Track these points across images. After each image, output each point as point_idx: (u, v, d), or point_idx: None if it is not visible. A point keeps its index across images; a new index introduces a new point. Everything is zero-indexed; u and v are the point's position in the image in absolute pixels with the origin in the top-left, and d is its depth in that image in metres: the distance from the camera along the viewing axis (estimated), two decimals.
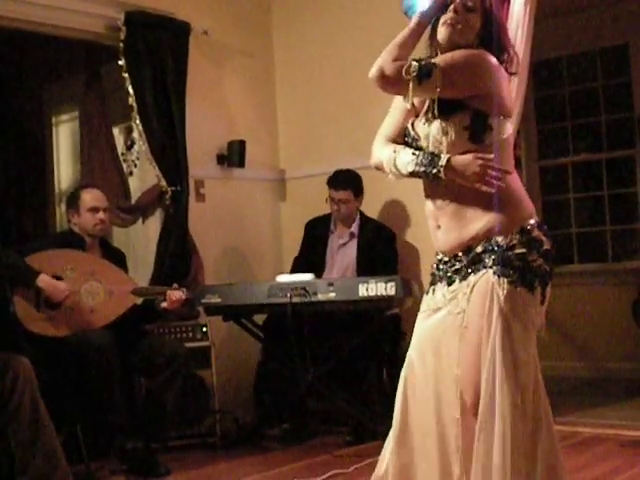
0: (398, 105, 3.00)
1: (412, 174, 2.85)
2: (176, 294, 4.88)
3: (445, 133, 2.80)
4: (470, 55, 2.82)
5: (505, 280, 2.72)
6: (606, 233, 7.61)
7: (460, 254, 2.85)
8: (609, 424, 5.31)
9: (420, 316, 2.97)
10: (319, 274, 5.56)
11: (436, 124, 2.82)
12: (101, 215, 4.93)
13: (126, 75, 5.63)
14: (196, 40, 6.03)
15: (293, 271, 5.80)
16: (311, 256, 5.82)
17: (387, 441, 2.99)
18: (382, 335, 5.43)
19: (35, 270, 4.51)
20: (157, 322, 5.31)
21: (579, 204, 7.79)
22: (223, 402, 5.64)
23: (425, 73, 2.73)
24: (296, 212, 6.54)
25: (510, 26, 5.25)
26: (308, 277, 5.19)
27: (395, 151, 2.90)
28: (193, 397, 5.35)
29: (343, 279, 5.40)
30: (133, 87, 5.64)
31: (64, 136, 7.14)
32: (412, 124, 2.94)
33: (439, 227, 2.89)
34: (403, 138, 2.96)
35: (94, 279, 4.76)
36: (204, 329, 5.56)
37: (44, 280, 4.51)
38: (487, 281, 2.75)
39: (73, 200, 5.00)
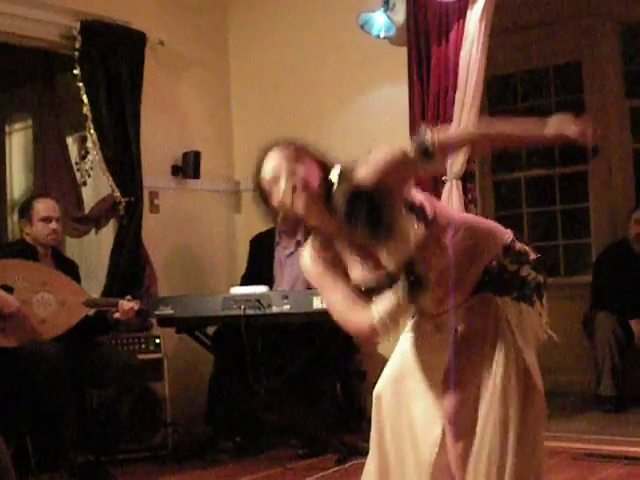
0: (328, 277, 2.79)
1: (403, 303, 2.62)
2: (128, 304, 4.84)
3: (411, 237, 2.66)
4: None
5: (508, 299, 2.72)
6: (558, 248, 7.68)
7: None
8: (561, 437, 5.33)
9: (403, 336, 2.94)
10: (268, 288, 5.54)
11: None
12: (54, 225, 4.88)
13: (81, 84, 5.61)
14: (152, 50, 6.01)
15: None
16: (258, 271, 5.80)
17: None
18: (336, 348, 5.43)
19: None
20: (109, 334, 5.26)
21: (532, 219, 7.86)
22: (175, 414, 5.61)
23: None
24: (251, 224, 6.51)
25: (465, 42, 5.31)
26: (262, 289, 5.18)
27: (375, 312, 2.62)
28: (145, 409, 5.31)
29: (297, 292, 5.39)
30: (88, 96, 5.62)
31: (17, 145, 7.08)
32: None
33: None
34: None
35: (46, 290, 4.71)
36: (157, 341, 5.52)
37: None
38: (486, 302, 2.74)
39: (26, 209, 4.95)
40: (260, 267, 5.82)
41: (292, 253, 5.74)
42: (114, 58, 5.74)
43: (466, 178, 5.48)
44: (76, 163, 6.13)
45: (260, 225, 6.00)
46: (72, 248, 6.24)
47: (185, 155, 6.30)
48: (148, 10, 6.19)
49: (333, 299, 2.77)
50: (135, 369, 4.85)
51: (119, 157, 5.73)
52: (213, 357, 5.71)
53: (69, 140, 6.20)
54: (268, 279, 5.68)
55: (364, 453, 3.16)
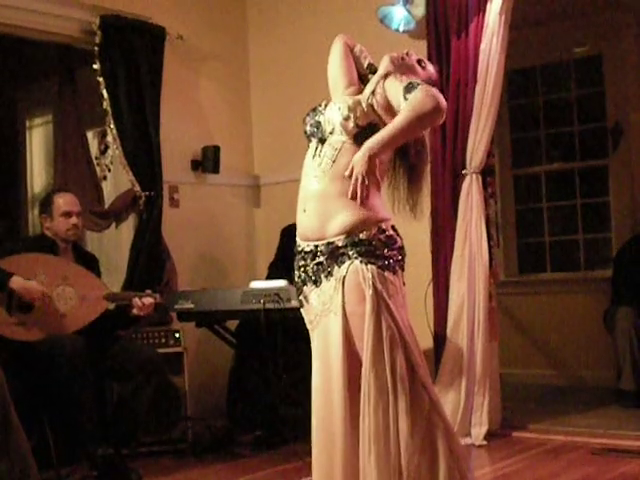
0: None
1: None
2: (143, 301, 4.83)
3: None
4: None
5: (373, 267, 2.99)
6: (579, 242, 7.65)
7: (320, 245, 3.11)
8: (581, 432, 5.33)
9: (309, 327, 3.22)
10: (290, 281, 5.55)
11: None
12: (74, 220, 4.90)
13: (101, 79, 5.63)
14: (171, 45, 6.02)
15: (268, 277, 5.79)
16: (288, 262, 5.79)
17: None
18: None
19: (8, 272, 4.46)
20: (130, 328, 5.28)
21: (552, 213, 7.83)
22: (195, 408, 5.63)
23: None
24: (270, 218, 6.54)
25: (485, 35, 5.29)
26: (281, 283, 5.18)
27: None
28: (165, 403, 5.33)
29: None
30: (108, 91, 5.64)
31: (38, 140, 7.10)
32: None
33: (305, 211, 3.16)
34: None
35: (66, 284, 4.72)
36: (177, 335, 5.54)
37: (16, 282, 4.46)
38: (356, 270, 3.00)
39: (46, 204, 4.96)
40: (290, 257, 5.82)
41: None
42: (134, 53, 5.75)
43: (486, 172, 5.47)
44: (96, 158, 6.15)
45: (279, 219, 6.03)
46: (92, 242, 6.26)
47: (205, 150, 6.32)
48: (167, 5, 6.20)
49: None
50: (155, 363, 4.86)
51: (139, 152, 5.74)
52: (233, 351, 5.73)
53: (89, 135, 6.21)
54: None
55: None
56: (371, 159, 2.98)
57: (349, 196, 3.00)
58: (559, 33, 7.40)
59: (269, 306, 5.02)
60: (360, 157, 2.99)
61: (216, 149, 6.29)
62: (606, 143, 7.35)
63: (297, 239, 3.23)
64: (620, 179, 7.27)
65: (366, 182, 2.97)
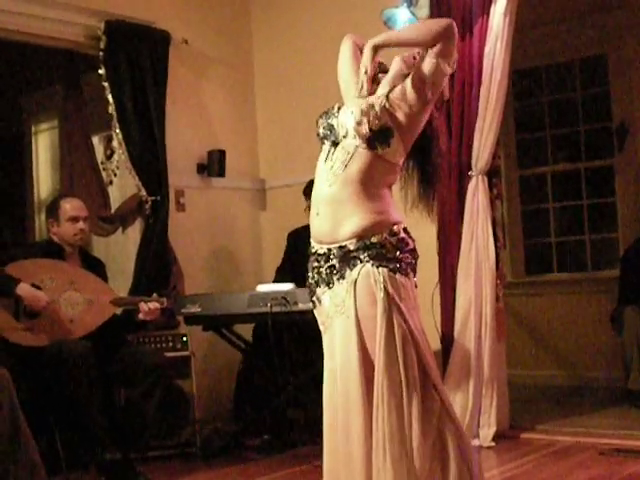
0: None
1: None
2: (150, 305, 4.84)
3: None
4: None
5: (385, 270, 2.98)
6: (585, 242, 7.65)
7: (333, 248, 3.09)
8: (588, 432, 5.32)
9: (322, 328, 3.21)
10: (303, 283, 5.54)
11: None
12: (81, 225, 4.91)
13: (106, 84, 5.64)
14: (176, 49, 6.03)
15: (276, 281, 5.79)
16: (295, 266, 5.81)
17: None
18: None
19: (15, 279, 4.47)
20: (137, 332, 5.28)
21: (558, 213, 7.82)
22: (203, 412, 5.63)
23: None
24: (276, 221, 6.54)
25: (489, 37, 5.29)
26: (288, 287, 5.18)
27: None
28: (173, 407, 5.33)
29: None
30: (113, 96, 5.64)
31: (44, 145, 7.11)
32: None
33: (318, 214, 3.13)
34: None
35: (73, 289, 4.73)
36: (184, 339, 5.54)
37: (24, 289, 4.48)
38: (367, 273, 3.00)
39: (53, 209, 4.97)
40: (297, 261, 5.83)
41: None
42: (139, 57, 5.76)
43: (492, 173, 5.47)
44: (102, 163, 6.16)
45: (285, 223, 6.03)
46: (99, 247, 6.27)
47: (210, 153, 6.32)
48: (172, 9, 6.21)
49: None
50: (163, 367, 4.86)
51: (145, 156, 5.75)
52: (240, 354, 5.72)
53: (95, 140, 6.21)
54: (304, 273, 5.69)
55: None
56: (374, 49, 3.08)
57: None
58: (564, 33, 7.40)
59: (276, 309, 5.03)
60: (365, 50, 3.11)
61: (221, 153, 6.29)
62: (612, 143, 7.34)
63: (311, 241, 3.22)
64: (626, 179, 7.27)
65: (368, 72, 3.08)
